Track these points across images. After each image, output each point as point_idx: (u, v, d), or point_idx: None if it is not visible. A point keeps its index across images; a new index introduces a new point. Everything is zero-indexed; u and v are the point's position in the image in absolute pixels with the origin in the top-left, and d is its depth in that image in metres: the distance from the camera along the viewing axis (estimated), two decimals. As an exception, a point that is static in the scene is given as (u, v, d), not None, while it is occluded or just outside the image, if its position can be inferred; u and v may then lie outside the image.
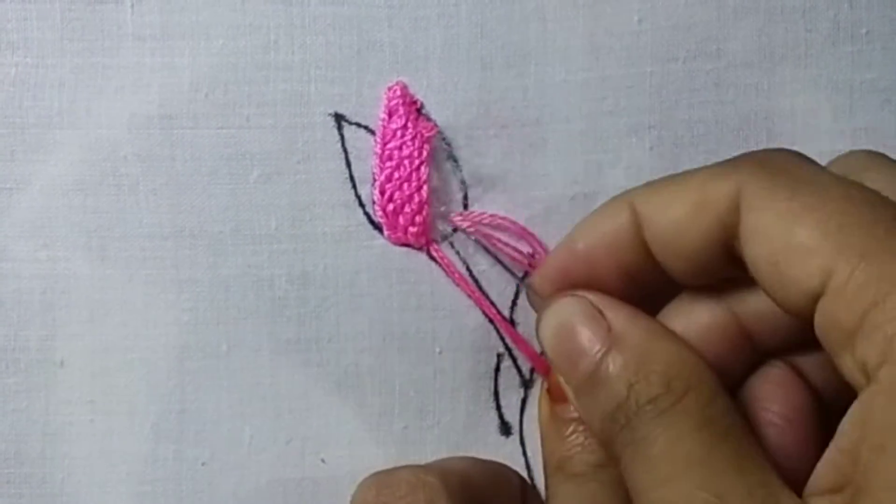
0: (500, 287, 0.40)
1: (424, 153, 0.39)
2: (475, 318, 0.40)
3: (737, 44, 0.40)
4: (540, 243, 0.40)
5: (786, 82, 0.40)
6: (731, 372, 0.36)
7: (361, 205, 0.39)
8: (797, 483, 0.31)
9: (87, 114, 0.39)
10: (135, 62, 0.39)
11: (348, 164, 0.39)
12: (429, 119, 0.39)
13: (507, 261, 0.40)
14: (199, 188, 0.39)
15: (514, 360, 0.40)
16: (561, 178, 0.40)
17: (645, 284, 0.36)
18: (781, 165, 0.33)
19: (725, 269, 0.34)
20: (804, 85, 0.40)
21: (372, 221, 0.39)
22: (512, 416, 0.41)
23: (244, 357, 0.39)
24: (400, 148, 0.39)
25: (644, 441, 0.33)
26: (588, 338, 0.35)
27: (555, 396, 0.39)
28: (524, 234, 0.40)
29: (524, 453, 0.41)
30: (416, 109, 0.39)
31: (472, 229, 0.39)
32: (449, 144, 0.39)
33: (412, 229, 0.39)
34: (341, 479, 0.40)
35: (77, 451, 0.39)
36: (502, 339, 0.40)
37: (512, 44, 0.39)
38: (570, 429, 0.39)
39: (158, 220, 0.39)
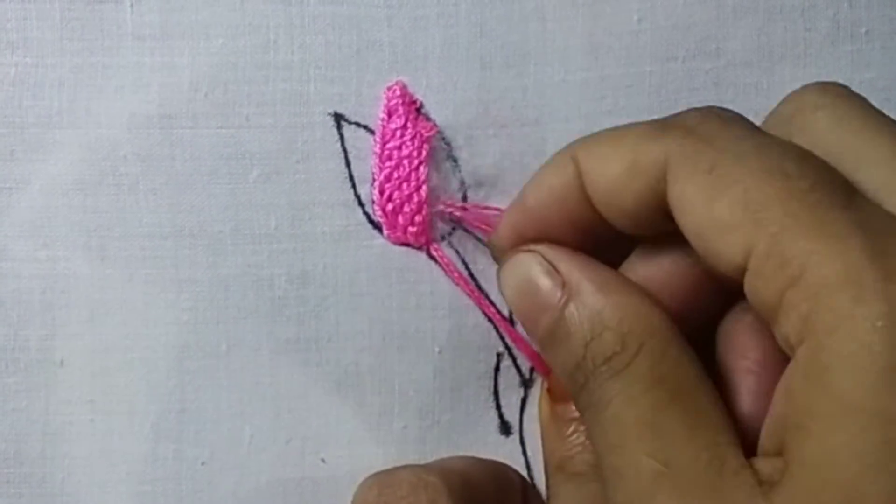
0: (499, 286, 0.40)
1: (424, 153, 0.39)
2: (475, 317, 0.40)
3: (736, 43, 0.40)
4: None
5: (785, 82, 0.40)
6: (701, 316, 0.35)
7: (361, 204, 0.39)
8: None
9: (87, 113, 0.39)
10: (134, 62, 0.39)
11: (348, 164, 0.39)
12: (428, 119, 0.39)
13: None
14: (198, 188, 0.39)
15: (514, 360, 0.40)
16: (560, 177, 0.40)
17: (600, 235, 0.35)
18: (706, 131, 0.32)
19: (668, 226, 0.33)
20: (803, 84, 0.40)
21: (371, 221, 0.39)
22: (512, 416, 0.41)
23: (244, 357, 0.39)
24: (399, 147, 0.39)
25: (599, 404, 0.33)
26: (546, 293, 0.35)
27: (555, 396, 0.39)
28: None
29: (524, 453, 0.41)
30: (415, 109, 0.39)
31: (465, 217, 0.39)
32: (448, 144, 0.40)
33: (411, 229, 0.39)
34: (341, 478, 0.40)
35: (77, 451, 0.39)
36: (502, 338, 0.40)
37: (511, 43, 0.40)
38: (571, 428, 0.39)
39: (158, 219, 0.39)
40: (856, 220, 0.29)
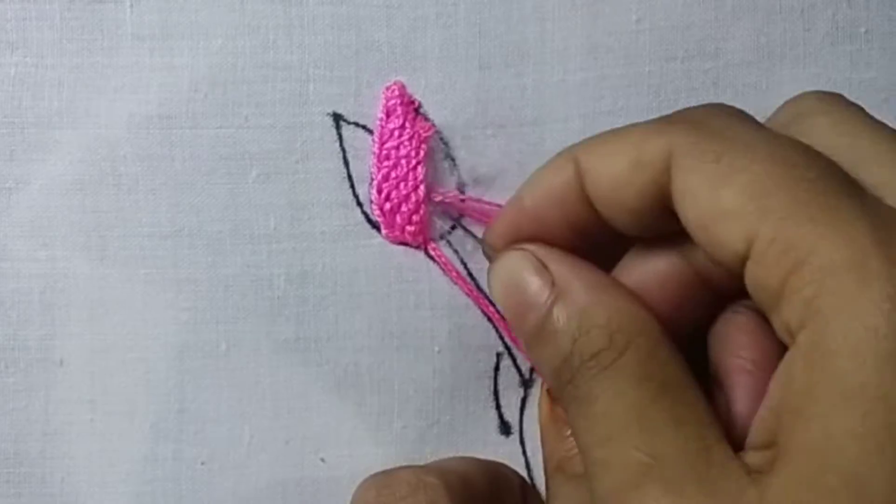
0: (498, 286, 0.40)
1: (422, 153, 0.39)
2: (474, 316, 0.40)
3: (735, 43, 0.40)
4: None
5: (784, 82, 0.40)
6: (693, 320, 0.35)
7: (359, 204, 0.39)
8: None
9: (87, 113, 0.39)
10: (134, 62, 0.39)
11: (346, 164, 0.39)
12: (426, 119, 0.39)
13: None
14: (198, 188, 0.39)
15: (514, 360, 0.40)
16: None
17: (595, 237, 0.35)
18: (713, 124, 0.32)
19: (668, 224, 0.33)
20: (803, 84, 0.40)
21: (370, 220, 0.39)
22: (512, 416, 0.41)
23: (243, 356, 0.40)
24: (397, 147, 0.39)
25: (587, 398, 0.33)
26: (534, 291, 0.34)
27: (555, 396, 0.39)
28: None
29: (524, 453, 0.41)
30: (413, 109, 0.39)
31: (463, 209, 0.39)
32: (446, 144, 0.40)
33: (409, 228, 0.39)
34: (341, 478, 0.40)
35: (77, 451, 0.39)
36: (502, 338, 0.40)
37: (510, 43, 0.40)
38: (571, 429, 0.39)
39: (157, 219, 0.39)
40: (861, 208, 0.29)
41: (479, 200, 0.39)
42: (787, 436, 0.29)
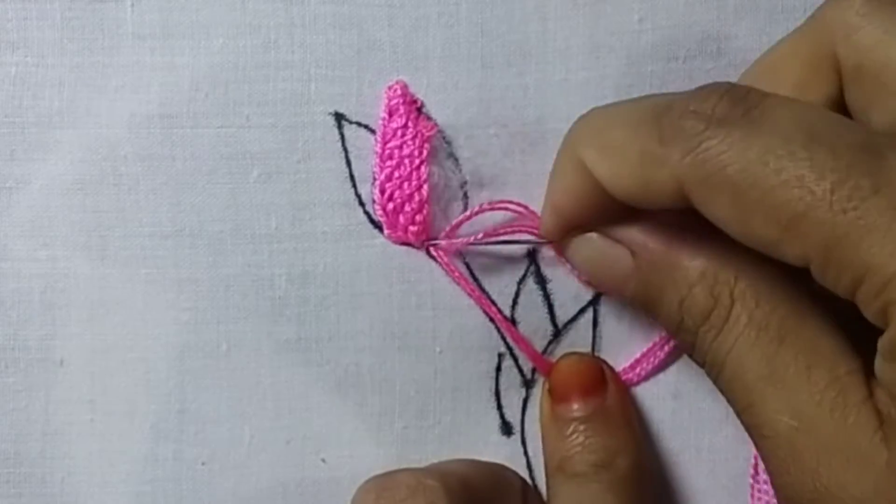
0: (500, 286, 0.40)
1: (425, 152, 0.39)
2: (476, 317, 0.40)
3: (737, 43, 0.40)
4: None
5: (786, 81, 0.40)
6: None
7: (361, 204, 0.39)
8: None
9: (87, 113, 0.39)
10: (135, 61, 0.39)
11: (348, 164, 0.39)
12: (429, 118, 0.39)
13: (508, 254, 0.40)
14: (199, 187, 0.39)
15: (516, 360, 0.40)
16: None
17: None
18: (711, 147, 0.31)
19: None
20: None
21: (372, 220, 0.39)
22: (513, 416, 0.41)
23: (244, 356, 0.39)
24: (400, 147, 0.39)
25: (713, 366, 0.33)
26: (619, 266, 0.35)
27: (556, 396, 0.39)
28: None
29: (525, 453, 0.41)
30: (416, 108, 0.39)
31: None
32: (449, 143, 0.39)
33: (412, 228, 0.39)
34: (341, 478, 0.40)
35: (77, 451, 0.39)
36: (503, 338, 0.40)
37: (512, 43, 0.39)
38: (571, 428, 0.39)
39: (158, 219, 0.39)
40: (890, 202, 0.29)
41: (482, 239, 0.40)
42: None
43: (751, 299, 0.32)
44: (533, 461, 0.41)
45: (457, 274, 0.39)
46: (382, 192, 0.39)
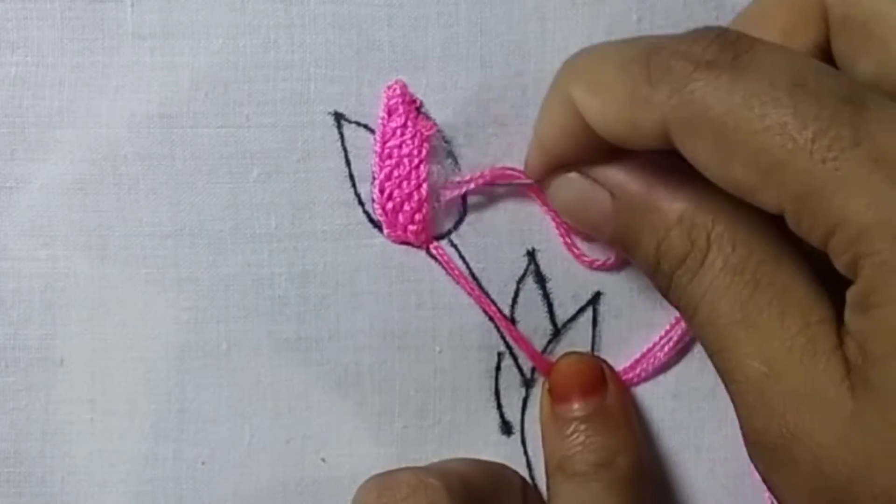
0: (500, 285, 0.40)
1: (424, 151, 0.39)
2: (475, 316, 0.40)
3: (736, 42, 0.40)
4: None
5: (785, 81, 0.40)
6: None
7: (361, 203, 0.39)
8: None
9: (87, 113, 0.39)
10: (135, 61, 0.39)
11: (348, 163, 0.39)
12: (428, 118, 0.39)
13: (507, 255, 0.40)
14: (199, 187, 0.39)
15: (515, 359, 0.40)
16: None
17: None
18: (696, 89, 0.31)
19: None
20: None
21: (371, 220, 0.39)
22: (513, 416, 0.41)
23: (244, 356, 0.39)
24: (399, 146, 0.39)
25: (687, 309, 0.33)
26: (597, 207, 0.35)
27: (556, 395, 0.39)
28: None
29: (525, 453, 0.41)
30: (415, 108, 0.39)
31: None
32: (448, 143, 0.39)
33: (412, 227, 0.39)
34: (341, 478, 0.40)
35: (77, 451, 0.39)
36: (503, 337, 0.40)
37: (511, 42, 0.40)
38: (571, 428, 0.39)
39: (158, 218, 0.39)
40: (869, 155, 0.29)
41: (481, 177, 0.39)
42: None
43: (727, 244, 0.32)
44: (533, 461, 0.41)
45: (456, 273, 0.39)
46: (382, 191, 0.39)
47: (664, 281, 0.34)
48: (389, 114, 0.39)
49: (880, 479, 0.29)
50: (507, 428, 0.41)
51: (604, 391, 0.39)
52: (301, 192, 0.39)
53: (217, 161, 0.39)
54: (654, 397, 0.41)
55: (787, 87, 0.30)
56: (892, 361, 0.29)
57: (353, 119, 0.39)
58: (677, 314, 0.40)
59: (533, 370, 0.40)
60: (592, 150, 0.35)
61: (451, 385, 0.40)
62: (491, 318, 0.40)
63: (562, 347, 0.40)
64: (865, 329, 0.29)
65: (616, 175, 0.35)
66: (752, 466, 0.40)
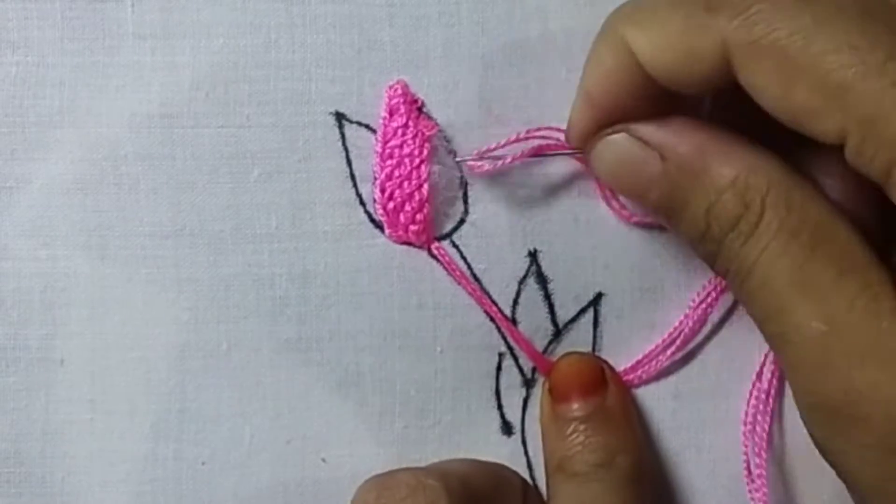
0: (501, 286, 0.40)
1: (425, 151, 0.39)
2: (476, 316, 0.40)
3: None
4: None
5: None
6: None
7: (362, 203, 0.39)
8: None
9: (88, 112, 0.39)
10: (135, 61, 0.39)
11: (349, 163, 0.39)
12: (429, 117, 0.39)
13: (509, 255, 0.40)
14: (199, 187, 0.39)
15: (516, 360, 0.40)
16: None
17: (672, 97, 0.34)
18: (760, 10, 0.31)
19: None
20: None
21: (373, 220, 0.39)
22: (513, 416, 0.41)
23: (244, 356, 0.39)
24: (401, 146, 0.39)
25: (739, 273, 0.32)
26: (647, 168, 0.34)
27: (556, 396, 0.39)
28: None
29: (525, 453, 0.41)
30: (416, 108, 0.39)
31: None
32: (449, 142, 0.39)
33: (413, 227, 0.39)
34: (342, 478, 0.40)
35: (77, 451, 0.39)
36: (504, 338, 0.40)
37: (513, 42, 0.39)
38: (571, 428, 0.39)
39: (159, 218, 0.39)
40: None
41: (512, 160, 0.39)
42: None
43: (782, 207, 0.32)
44: (533, 461, 0.41)
45: (458, 273, 0.39)
46: (383, 191, 0.39)
47: (713, 246, 0.33)
48: (391, 114, 0.39)
49: None
50: (507, 428, 0.41)
51: (604, 391, 0.39)
52: (302, 193, 0.39)
53: (218, 161, 0.39)
54: (654, 397, 0.41)
55: (857, 12, 0.30)
56: None
57: (355, 119, 0.39)
58: (679, 316, 0.40)
59: (533, 370, 0.40)
60: (643, 103, 0.34)
61: (452, 385, 0.40)
62: (492, 319, 0.40)
63: (563, 348, 0.40)
64: None
65: (666, 136, 0.34)
66: (752, 465, 0.40)
